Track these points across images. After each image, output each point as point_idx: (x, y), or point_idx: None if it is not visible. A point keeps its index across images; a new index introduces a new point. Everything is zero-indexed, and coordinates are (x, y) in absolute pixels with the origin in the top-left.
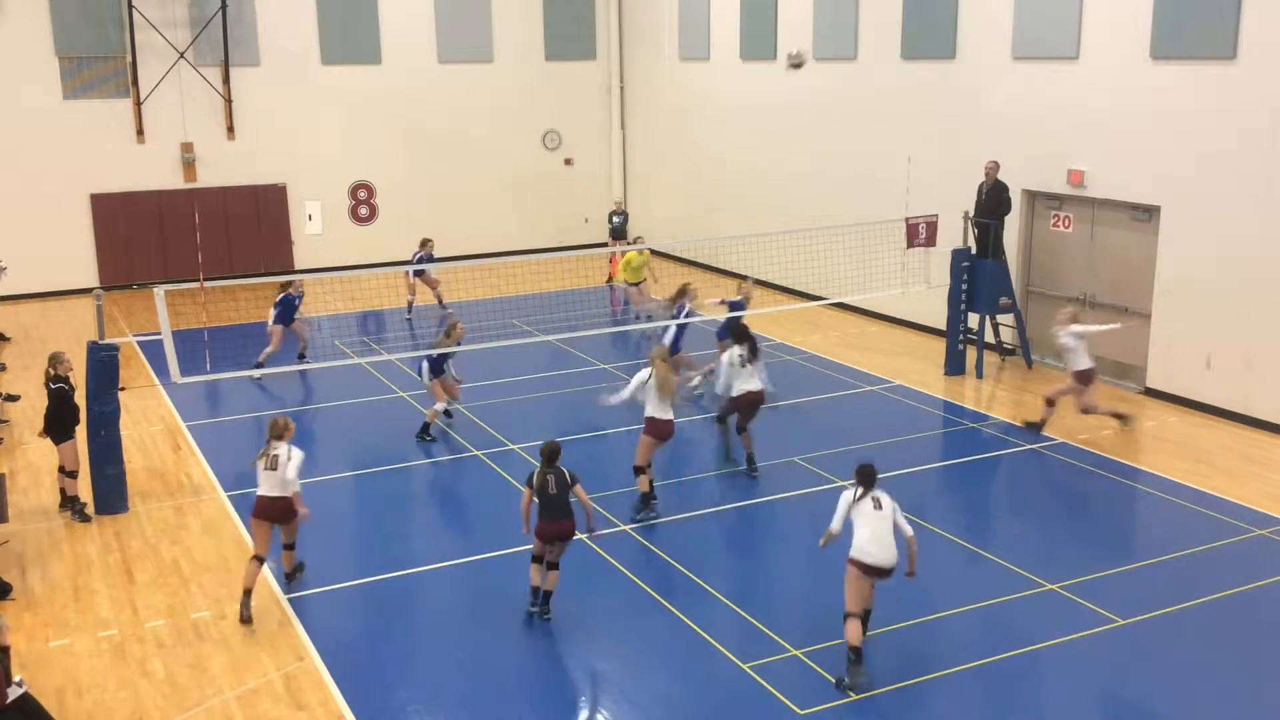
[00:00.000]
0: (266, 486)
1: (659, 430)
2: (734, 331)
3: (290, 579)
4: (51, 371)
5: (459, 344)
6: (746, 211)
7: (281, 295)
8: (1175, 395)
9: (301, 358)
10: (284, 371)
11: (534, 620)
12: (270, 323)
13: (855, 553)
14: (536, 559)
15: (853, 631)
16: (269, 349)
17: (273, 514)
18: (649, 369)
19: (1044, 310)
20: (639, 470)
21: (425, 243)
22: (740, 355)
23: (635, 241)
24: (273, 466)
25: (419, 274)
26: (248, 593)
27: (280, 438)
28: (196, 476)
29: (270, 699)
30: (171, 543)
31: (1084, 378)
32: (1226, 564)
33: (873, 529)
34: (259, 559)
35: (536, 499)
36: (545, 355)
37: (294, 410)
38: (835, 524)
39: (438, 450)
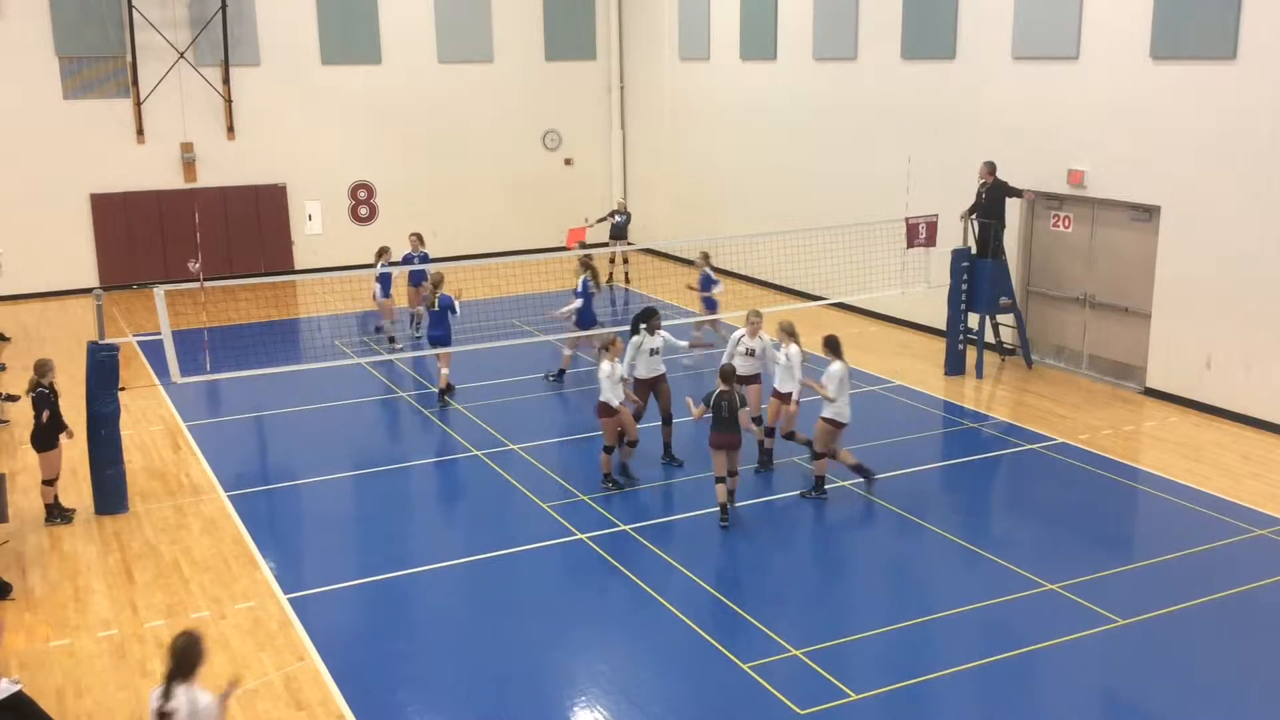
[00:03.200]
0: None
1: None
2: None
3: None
4: (36, 378)
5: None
6: (746, 211)
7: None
8: (1175, 395)
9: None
10: (284, 372)
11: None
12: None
13: (842, 417)
14: (721, 478)
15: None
16: (385, 319)
17: (600, 413)
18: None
19: (1044, 310)
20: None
21: (419, 240)
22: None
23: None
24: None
25: (417, 282)
26: (607, 471)
27: (605, 350)
28: (196, 476)
29: (270, 699)
30: (171, 543)
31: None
32: (1226, 564)
33: (848, 395)
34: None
35: (710, 415)
36: (545, 355)
37: (294, 410)
38: (834, 393)
39: (438, 450)
